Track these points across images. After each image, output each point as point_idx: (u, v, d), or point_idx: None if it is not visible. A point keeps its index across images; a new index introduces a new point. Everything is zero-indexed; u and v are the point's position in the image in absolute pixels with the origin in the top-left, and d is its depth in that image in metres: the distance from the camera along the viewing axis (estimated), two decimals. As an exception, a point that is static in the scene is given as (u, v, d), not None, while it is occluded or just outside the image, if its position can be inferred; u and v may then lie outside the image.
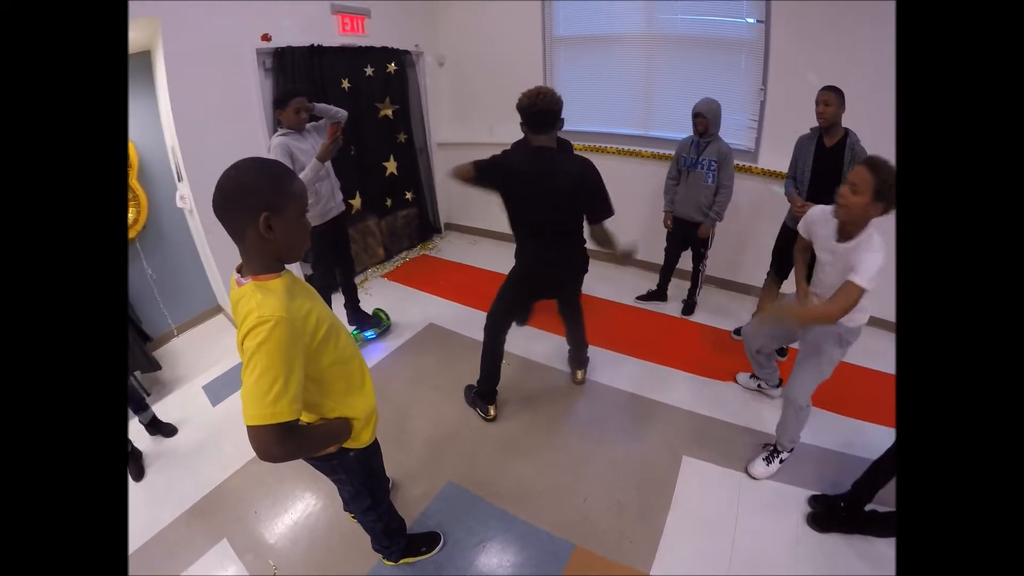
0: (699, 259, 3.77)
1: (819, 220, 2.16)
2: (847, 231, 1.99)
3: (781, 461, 2.50)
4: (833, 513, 2.21)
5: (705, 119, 3.27)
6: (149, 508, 2.50)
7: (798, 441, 2.49)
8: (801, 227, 2.29)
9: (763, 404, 2.97)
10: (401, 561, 2.15)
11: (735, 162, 3.78)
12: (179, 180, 3.62)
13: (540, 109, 2.25)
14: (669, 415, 2.92)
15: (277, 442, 1.15)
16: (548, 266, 2.58)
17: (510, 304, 2.79)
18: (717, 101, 3.29)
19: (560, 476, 2.55)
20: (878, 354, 3.21)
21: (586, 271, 2.70)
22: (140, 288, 3.87)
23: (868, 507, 2.14)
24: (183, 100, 3.35)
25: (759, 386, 3.02)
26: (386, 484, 2.04)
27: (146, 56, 3.55)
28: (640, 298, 4.16)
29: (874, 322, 3.54)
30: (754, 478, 2.49)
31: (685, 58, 3.95)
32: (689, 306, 3.97)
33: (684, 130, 3.92)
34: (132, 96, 3.54)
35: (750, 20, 3.61)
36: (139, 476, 2.73)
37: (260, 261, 1.23)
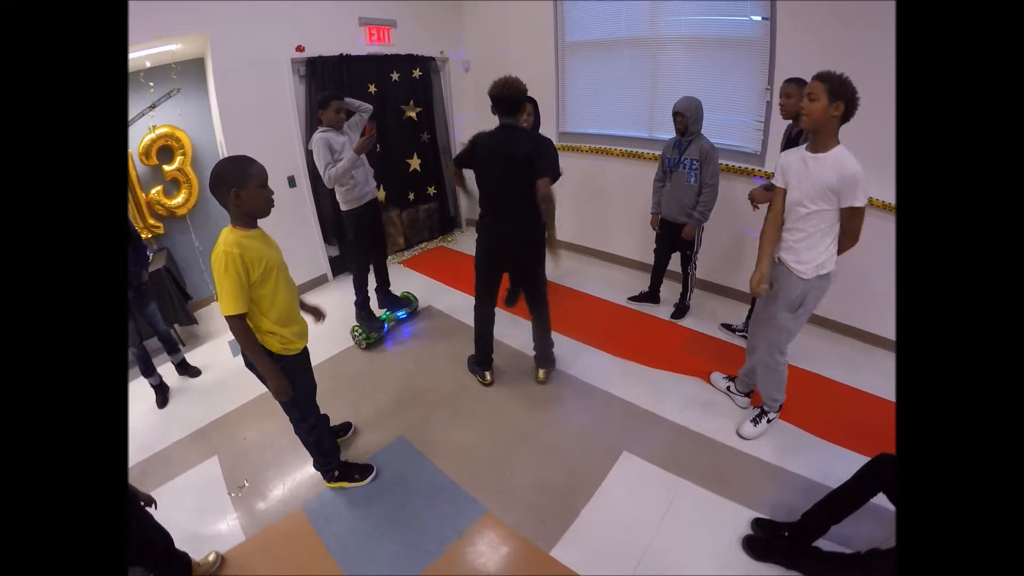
0: (687, 262, 3.73)
1: (788, 157, 2.25)
2: (817, 142, 2.09)
3: (768, 421, 2.61)
4: (774, 541, 2.05)
5: (684, 117, 3.25)
6: (163, 429, 3.11)
7: (781, 399, 2.57)
8: (777, 178, 2.30)
9: (723, 412, 2.89)
10: (336, 484, 2.53)
11: (738, 164, 3.80)
12: None
13: (506, 96, 2.60)
14: (624, 410, 2.95)
15: (232, 322, 1.89)
16: (504, 225, 2.81)
17: (482, 272, 3.02)
18: (696, 99, 3.27)
19: (498, 449, 2.71)
20: (880, 375, 3.13)
21: (543, 240, 2.89)
22: (188, 256, 4.53)
23: (815, 542, 1.98)
24: (228, 102, 3.95)
25: (728, 388, 2.96)
26: (313, 403, 2.37)
27: (201, 62, 4.13)
28: (632, 299, 4.15)
29: (871, 339, 3.53)
30: (744, 438, 2.58)
31: (690, 59, 3.94)
32: (680, 310, 3.91)
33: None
34: (189, 94, 4.20)
35: (755, 18, 3.55)
36: (163, 404, 3.36)
37: (237, 218, 1.90)
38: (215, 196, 1.86)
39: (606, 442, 2.71)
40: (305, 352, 2.24)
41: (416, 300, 4.30)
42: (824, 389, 3.07)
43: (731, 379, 2.98)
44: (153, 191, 4.16)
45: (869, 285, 3.33)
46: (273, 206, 1.94)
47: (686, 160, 3.36)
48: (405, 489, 2.51)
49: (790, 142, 2.84)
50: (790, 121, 2.87)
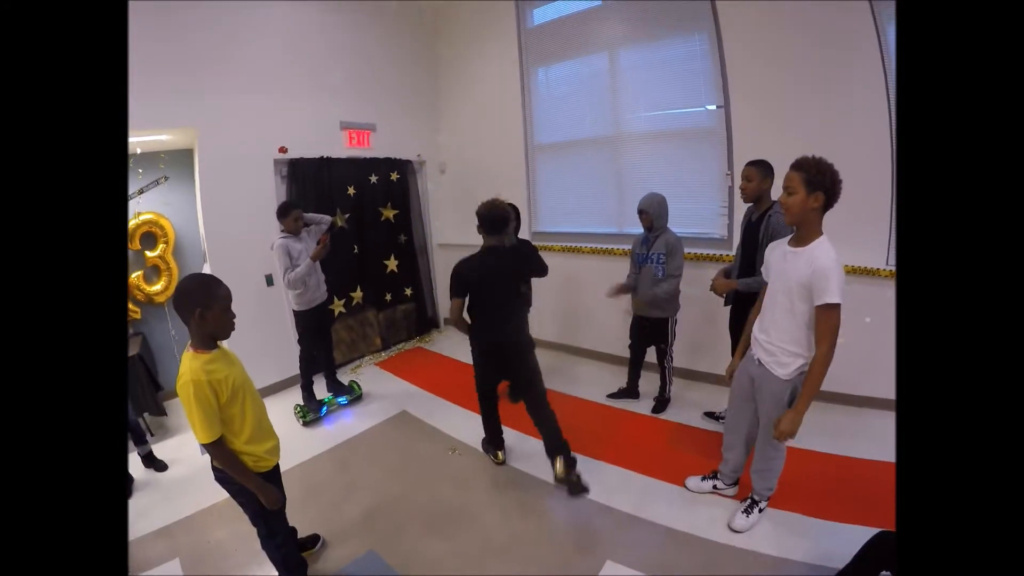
0: (662, 355, 3.63)
1: (772, 252, 2.21)
2: (800, 235, 2.03)
3: (760, 511, 2.46)
4: None
5: (648, 215, 3.30)
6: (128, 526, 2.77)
7: (774, 488, 2.43)
8: (763, 271, 2.28)
9: (711, 505, 2.70)
10: None
11: (706, 251, 3.85)
12: (204, 261, 4.19)
13: (494, 216, 2.77)
14: (606, 516, 2.72)
15: (211, 449, 1.86)
16: (502, 335, 2.90)
17: (480, 378, 3.11)
18: (660, 194, 3.32)
19: (474, 563, 2.45)
20: (866, 437, 3.02)
21: (533, 347, 2.99)
22: (163, 344, 4.42)
23: None
24: (212, 195, 4.03)
25: (714, 487, 2.76)
26: (283, 519, 2.23)
27: (190, 153, 4.23)
28: (611, 396, 4.00)
29: (853, 401, 3.43)
30: (737, 532, 2.42)
31: (652, 153, 4.13)
32: (661, 403, 3.76)
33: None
34: (176, 184, 4.32)
35: (710, 107, 3.75)
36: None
37: (198, 339, 1.85)
38: (177, 312, 1.84)
39: (588, 551, 2.48)
40: (276, 468, 2.16)
41: (359, 389, 4.42)
42: (812, 463, 2.93)
43: (713, 476, 2.78)
44: (133, 275, 4.14)
45: (848, 346, 3.25)
46: (234, 330, 1.92)
47: (653, 255, 3.37)
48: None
49: (750, 225, 2.89)
50: (751, 204, 2.93)
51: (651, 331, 3.56)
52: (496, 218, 2.78)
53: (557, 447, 2.93)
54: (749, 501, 2.50)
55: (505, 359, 2.94)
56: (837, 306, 1.89)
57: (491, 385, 3.12)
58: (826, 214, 1.98)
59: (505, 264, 2.83)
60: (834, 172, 1.89)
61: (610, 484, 2.96)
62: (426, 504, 2.93)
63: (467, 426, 3.62)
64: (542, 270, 3.12)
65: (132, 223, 4.05)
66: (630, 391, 3.94)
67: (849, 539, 2.13)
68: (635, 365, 3.87)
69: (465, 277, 2.80)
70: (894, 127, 2.95)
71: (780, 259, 2.11)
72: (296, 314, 3.94)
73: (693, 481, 2.83)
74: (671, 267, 3.31)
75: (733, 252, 3.72)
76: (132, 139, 3.79)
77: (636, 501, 2.78)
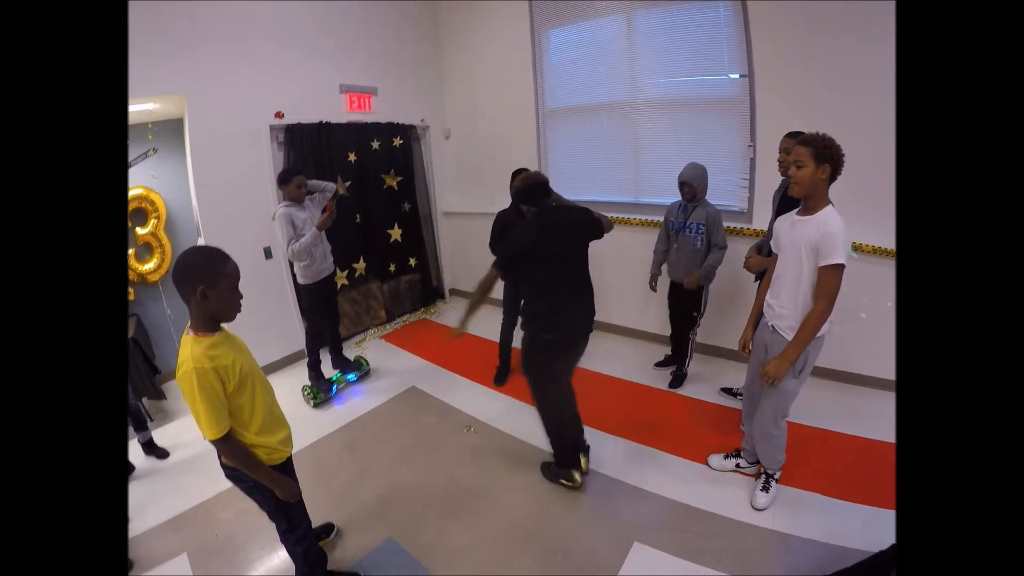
0: (690, 325, 3.61)
1: (780, 223, 2.29)
2: (808, 206, 2.12)
3: (776, 481, 2.54)
4: None
5: (692, 187, 3.25)
6: (130, 517, 2.77)
7: (782, 459, 2.50)
8: (772, 243, 2.34)
9: (732, 485, 2.68)
10: None
11: (726, 224, 3.72)
12: (199, 235, 3.98)
13: (534, 182, 2.54)
14: (630, 495, 2.69)
15: (221, 446, 1.70)
16: (577, 319, 2.62)
17: (546, 374, 2.68)
18: (702, 166, 3.26)
19: (499, 552, 2.40)
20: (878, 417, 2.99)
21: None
22: (159, 325, 4.26)
23: None
24: (204, 166, 3.81)
25: (737, 465, 2.76)
26: (303, 512, 2.13)
27: (179, 123, 3.97)
28: (659, 365, 3.99)
29: (860, 380, 3.41)
30: (759, 509, 2.47)
31: (671, 121, 3.97)
32: (678, 378, 3.74)
33: (674, 195, 3.90)
34: (165, 156, 4.07)
35: (733, 76, 3.59)
36: None
37: (200, 320, 1.65)
38: (177, 288, 1.62)
39: (614, 534, 2.44)
40: (289, 458, 2.02)
41: (367, 364, 4.31)
42: (828, 443, 2.93)
43: (736, 455, 2.79)
44: (124, 255, 3.93)
45: (858, 326, 3.25)
46: (240, 311, 1.72)
47: (692, 224, 3.33)
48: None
49: (784, 199, 2.79)
50: (787, 178, 2.81)
51: (685, 298, 3.52)
52: (536, 184, 2.53)
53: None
54: (764, 477, 2.55)
55: (579, 338, 2.66)
56: (840, 267, 2.00)
57: (562, 375, 2.72)
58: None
59: (571, 230, 2.52)
60: (838, 146, 2.02)
61: (633, 462, 2.93)
62: (444, 487, 2.87)
63: (480, 401, 3.58)
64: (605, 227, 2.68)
65: None
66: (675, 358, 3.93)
67: (868, 518, 2.31)
68: (677, 332, 3.81)
69: (520, 251, 2.48)
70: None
71: (789, 228, 2.19)
72: (301, 288, 3.78)
73: (716, 459, 2.83)
74: (717, 238, 3.30)
75: (752, 225, 3.68)
76: None
77: (660, 480, 2.76)
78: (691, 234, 3.34)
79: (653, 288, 3.70)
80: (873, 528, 2.25)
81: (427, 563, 2.36)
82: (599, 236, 2.63)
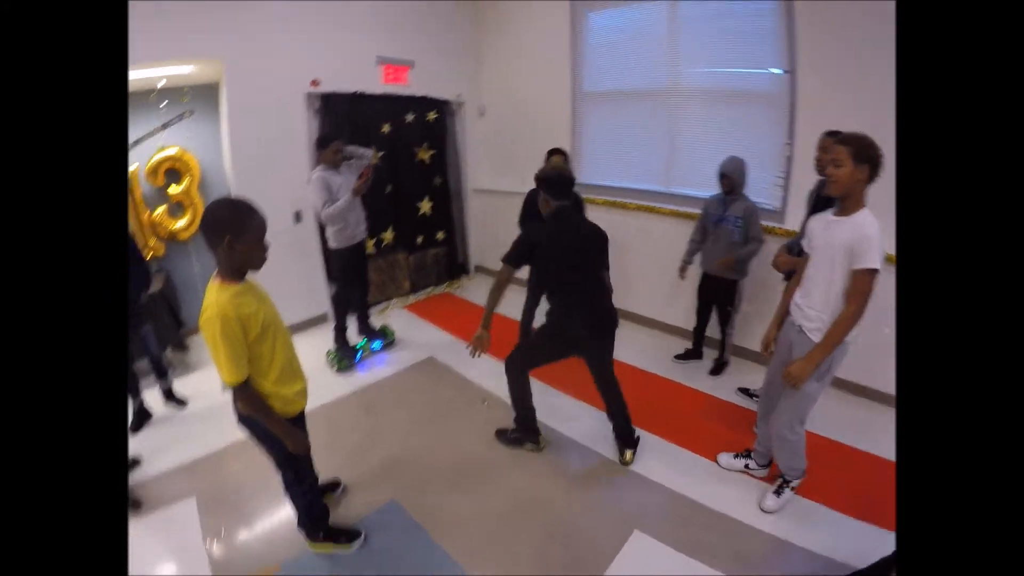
0: (726, 317, 3.60)
1: (814, 222, 2.23)
2: (845, 207, 2.07)
3: (792, 489, 2.49)
4: None
5: (731, 179, 3.24)
6: (144, 460, 2.93)
7: (802, 467, 2.45)
8: (805, 243, 2.28)
9: (740, 485, 2.67)
10: (320, 547, 2.31)
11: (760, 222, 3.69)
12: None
13: (565, 176, 2.57)
14: (636, 483, 2.71)
15: (237, 392, 1.76)
16: (588, 318, 2.64)
17: (540, 359, 2.83)
18: (742, 159, 3.24)
19: (498, 523, 2.46)
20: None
21: (616, 325, 2.74)
22: (187, 280, 4.43)
23: None
24: (239, 130, 3.90)
25: (746, 466, 2.74)
26: (310, 465, 2.20)
27: (216, 87, 4.09)
28: (678, 357, 3.99)
29: (883, 398, 3.31)
30: (767, 512, 2.44)
31: (709, 113, 3.88)
32: (719, 365, 3.78)
33: (707, 187, 3.83)
34: (201, 118, 4.18)
35: (775, 71, 3.49)
36: (136, 429, 3.23)
37: (226, 269, 1.70)
38: (205, 238, 1.66)
39: (616, 519, 2.47)
40: (302, 412, 2.09)
41: (392, 333, 4.36)
42: (842, 457, 2.87)
43: (746, 455, 2.77)
44: (157, 212, 4.08)
45: (882, 342, 3.14)
46: (266, 262, 1.76)
47: (730, 217, 3.31)
48: (394, 561, 2.27)
49: (820, 200, 2.72)
50: (823, 177, 2.75)
51: (719, 291, 3.52)
52: (566, 179, 2.57)
53: (627, 437, 2.90)
54: (780, 481, 2.51)
55: (585, 339, 2.69)
56: (875, 272, 1.95)
57: (542, 364, 2.84)
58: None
59: (590, 230, 2.60)
60: (878, 147, 1.96)
61: (642, 451, 2.94)
62: (452, 458, 2.94)
63: (497, 377, 3.53)
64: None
65: (156, 158, 3.95)
66: (696, 352, 3.95)
67: (876, 539, 2.21)
68: (701, 326, 3.84)
69: (532, 242, 2.52)
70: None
71: (823, 228, 2.14)
72: (333, 252, 3.78)
73: (725, 458, 2.81)
74: (753, 232, 3.28)
75: (784, 224, 3.59)
76: (156, 72, 3.66)
77: (667, 472, 2.77)
78: (729, 227, 3.32)
79: (682, 276, 3.68)
80: (877, 548, 2.17)
81: (428, 528, 2.44)
82: (606, 257, 2.70)
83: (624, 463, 2.84)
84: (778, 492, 2.49)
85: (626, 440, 2.87)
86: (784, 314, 2.37)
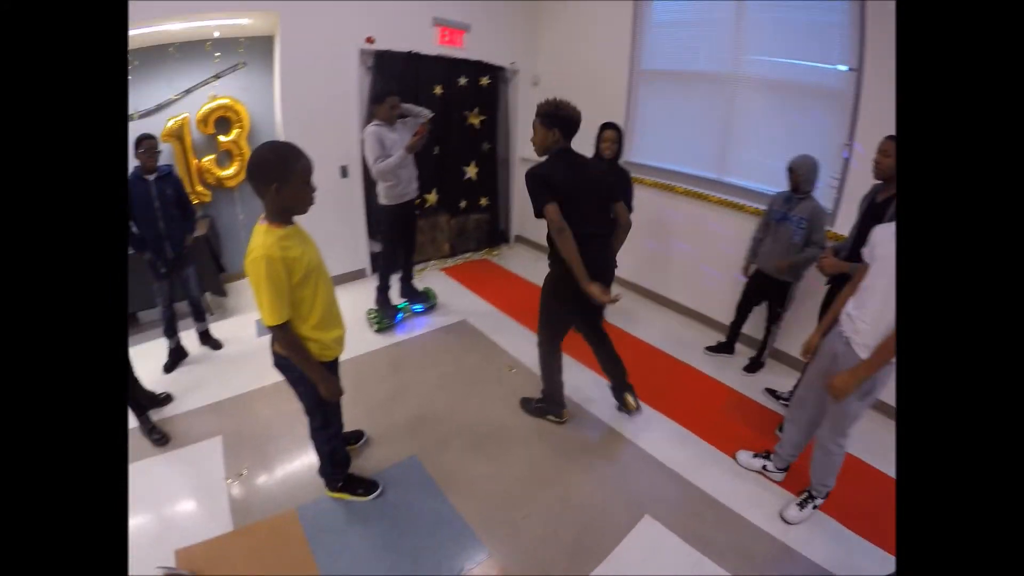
0: (774, 318, 3.50)
1: (882, 232, 2.06)
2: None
3: (815, 507, 2.44)
4: None
5: (796, 174, 3.07)
6: (177, 397, 3.11)
7: (831, 485, 2.39)
8: (865, 252, 2.12)
9: (758, 486, 2.65)
10: (337, 494, 2.42)
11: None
12: None
13: (576, 118, 2.44)
14: (653, 469, 2.73)
15: (277, 333, 1.79)
16: (603, 266, 2.55)
17: (563, 325, 2.79)
18: (813, 158, 3.06)
19: (513, 489, 2.53)
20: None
21: (614, 277, 2.72)
22: (231, 228, 4.58)
23: None
24: (291, 82, 3.96)
25: (764, 467, 2.71)
26: (338, 413, 2.27)
27: (270, 41, 4.14)
28: (709, 349, 3.94)
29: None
30: (788, 523, 2.40)
31: (769, 104, 3.73)
32: (755, 364, 3.69)
33: (760, 179, 3.74)
34: (254, 70, 4.24)
35: (841, 67, 3.31)
36: (170, 369, 3.39)
37: (273, 213, 1.72)
38: (251, 183, 1.67)
39: (629, 501, 2.51)
40: (336, 360, 2.14)
41: (435, 297, 4.37)
42: (867, 477, 2.79)
43: (765, 456, 2.73)
44: (205, 159, 4.19)
45: None
46: (312, 204, 1.77)
47: (794, 217, 3.14)
48: (408, 514, 2.37)
49: (873, 206, 2.61)
50: (879, 182, 2.62)
51: (771, 291, 3.40)
52: (575, 120, 2.42)
53: (623, 385, 2.98)
54: (806, 494, 2.46)
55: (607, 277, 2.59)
56: None
57: (568, 325, 2.81)
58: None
59: (593, 167, 2.52)
60: None
61: (663, 437, 2.96)
62: (474, 420, 3.01)
63: (526, 345, 3.61)
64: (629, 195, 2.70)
65: (207, 107, 4.04)
66: (729, 346, 3.89)
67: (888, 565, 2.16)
68: (740, 321, 3.74)
69: (557, 186, 2.34)
70: None
71: (890, 238, 1.98)
72: (383, 209, 3.71)
73: (744, 456, 2.79)
74: (816, 236, 3.10)
75: (834, 228, 3.44)
76: (211, 22, 3.71)
77: (685, 462, 2.78)
78: (791, 227, 3.15)
79: (745, 275, 3.57)
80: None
81: (444, 487, 2.52)
82: (619, 199, 2.65)
83: (631, 409, 2.94)
84: (802, 505, 2.44)
85: (625, 388, 2.95)
86: (832, 322, 2.25)
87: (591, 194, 2.48)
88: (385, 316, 3.94)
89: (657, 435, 2.97)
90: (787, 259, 3.16)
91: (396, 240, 3.88)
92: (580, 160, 2.49)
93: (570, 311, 2.70)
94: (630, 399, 2.98)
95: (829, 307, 2.88)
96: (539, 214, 2.37)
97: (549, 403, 2.99)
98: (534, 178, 2.34)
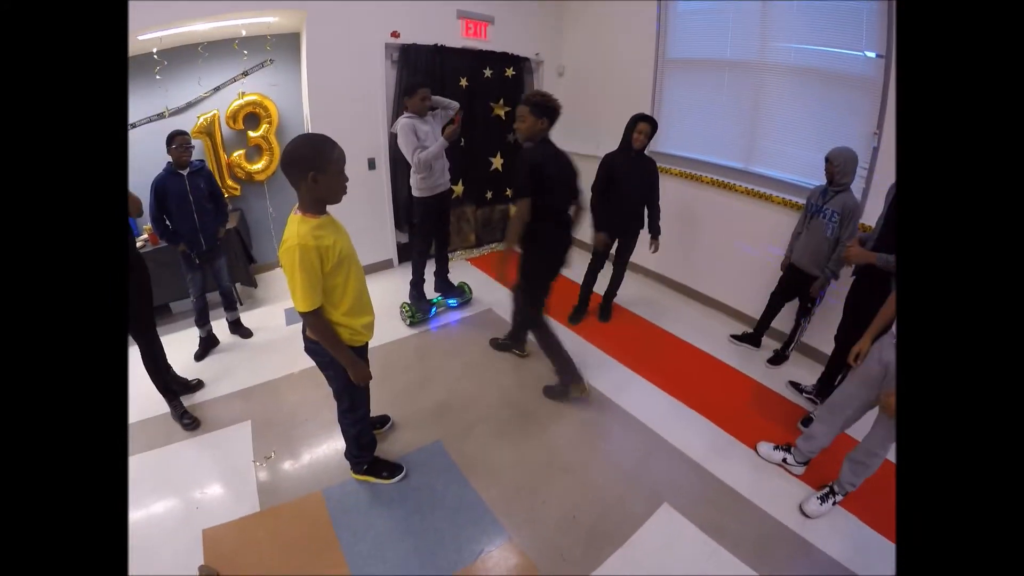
0: (804, 313, 3.45)
1: None
2: None
3: (835, 503, 2.42)
4: None
5: (832, 165, 3.00)
6: (207, 384, 3.24)
7: (856, 486, 2.38)
8: None
9: (779, 479, 2.64)
10: (362, 477, 2.51)
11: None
12: None
13: (560, 110, 2.65)
14: (674, 458, 2.74)
15: (309, 318, 1.85)
16: (565, 247, 2.90)
17: (541, 296, 3.01)
18: (851, 150, 2.98)
19: (534, 475, 2.58)
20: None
21: None
22: (261, 220, 4.68)
23: None
24: (318, 78, 4.05)
25: (784, 460, 2.70)
26: (366, 397, 2.35)
27: (296, 37, 4.25)
28: (734, 337, 3.92)
29: None
30: (808, 516, 2.40)
31: (796, 91, 3.65)
32: (780, 357, 3.65)
33: (787, 169, 3.68)
34: (281, 67, 4.34)
35: (870, 54, 3.22)
36: (200, 358, 3.52)
37: (308, 203, 1.78)
38: (287, 175, 1.73)
39: (648, 489, 2.53)
40: (365, 345, 2.21)
41: (470, 291, 4.38)
42: (889, 475, 2.68)
43: (786, 449, 2.72)
44: (235, 154, 4.32)
45: None
46: (345, 193, 1.83)
47: (827, 210, 3.08)
48: (431, 498, 2.44)
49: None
50: None
51: (804, 286, 3.33)
52: (560, 109, 2.65)
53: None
54: (828, 489, 2.44)
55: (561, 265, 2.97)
56: None
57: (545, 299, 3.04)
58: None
59: (564, 157, 2.72)
60: None
61: (684, 427, 2.97)
62: (498, 408, 3.06)
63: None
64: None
65: (236, 103, 4.14)
66: (755, 338, 3.85)
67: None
68: (770, 314, 3.69)
69: (539, 171, 2.59)
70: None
71: None
72: (416, 201, 3.70)
73: (765, 448, 2.78)
74: (844, 232, 3.04)
75: (862, 219, 3.37)
76: (238, 21, 3.80)
77: (705, 452, 2.79)
78: (824, 220, 3.10)
79: (783, 270, 3.52)
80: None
81: (466, 472, 2.58)
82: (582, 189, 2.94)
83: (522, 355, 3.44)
84: (823, 499, 2.42)
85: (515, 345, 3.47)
86: (885, 327, 2.17)
87: (565, 184, 2.75)
88: (419, 310, 3.96)
89: (678, 424, 2.98)
90: (818, 282, 3.20)
91: (429, 232, 3.90)
92: (557, 149, 2.71)
93: (542, 283, 3.00)
94: (517, 352, 3.45)
95: (852, 300, 2.87)
96: (515, 199, 2.70)
97: (566, 380, 3.07)
98: (532, 168, 2.58)
